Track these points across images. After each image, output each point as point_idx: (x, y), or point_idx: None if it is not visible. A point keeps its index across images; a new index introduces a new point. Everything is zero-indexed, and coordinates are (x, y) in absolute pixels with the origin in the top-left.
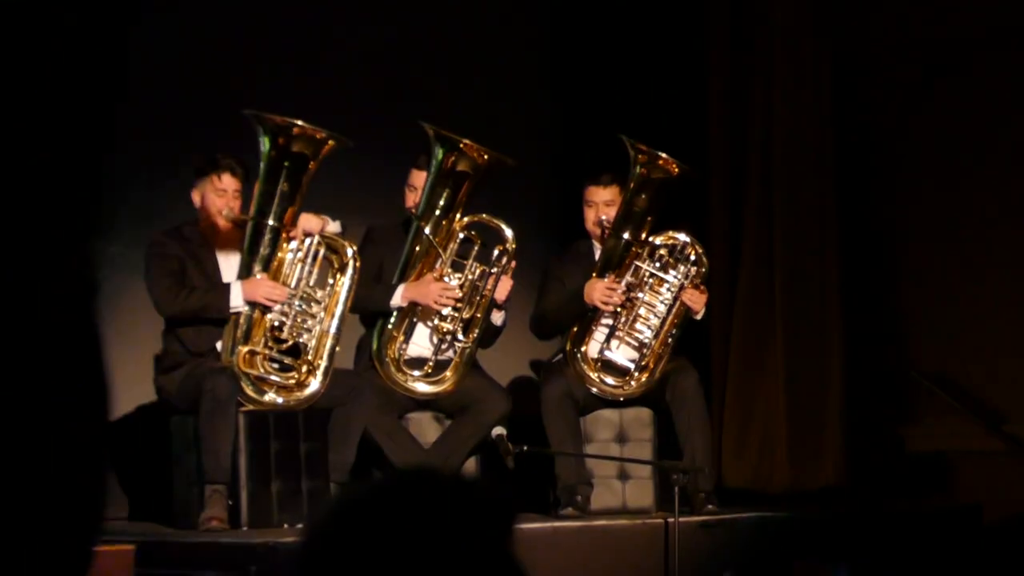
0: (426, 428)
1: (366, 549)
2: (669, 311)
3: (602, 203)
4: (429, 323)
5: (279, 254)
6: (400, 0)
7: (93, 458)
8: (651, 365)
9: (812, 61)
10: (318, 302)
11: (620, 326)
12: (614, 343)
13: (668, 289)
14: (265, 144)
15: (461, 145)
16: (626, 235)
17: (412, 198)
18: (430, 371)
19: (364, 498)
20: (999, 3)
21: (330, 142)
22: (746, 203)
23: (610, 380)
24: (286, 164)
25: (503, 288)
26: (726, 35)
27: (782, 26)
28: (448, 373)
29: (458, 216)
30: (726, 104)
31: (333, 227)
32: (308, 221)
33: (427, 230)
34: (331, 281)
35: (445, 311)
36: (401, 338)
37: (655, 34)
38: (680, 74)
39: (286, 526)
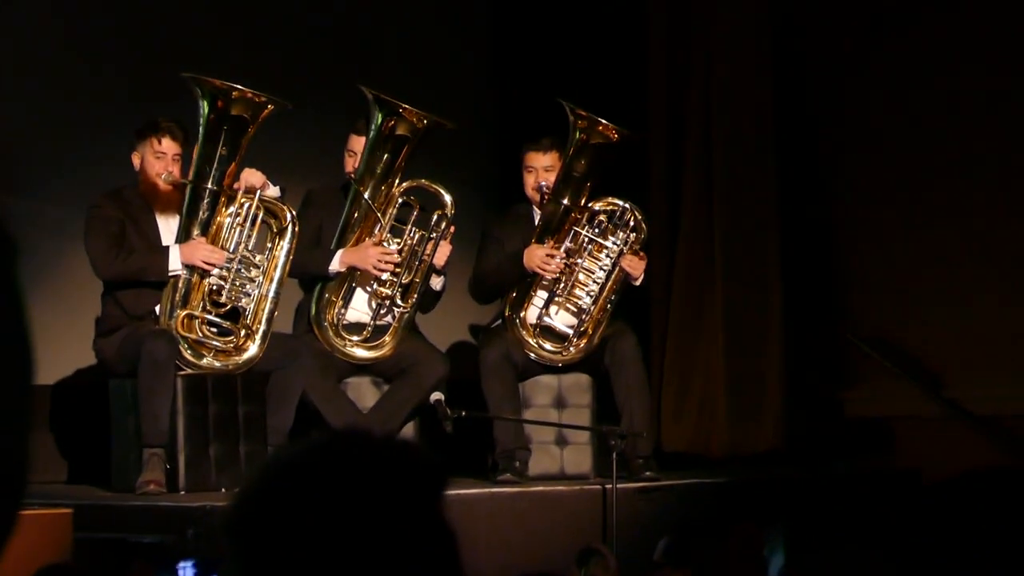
0: (365, 392)
1: (296, 509)
2: (608, 277)
3: (542, 168)
4: (368, 288)
5: (218, 218)
6: None
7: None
8: (590, 331)
9: (752, 23)
10: (257, 266)
11: (559, 291)
12: (553, 308)
13: (607, 255)
14: (204, 107)
15: (400, 109)
16: (565, 200)
17: (351, 163)
18: (368, 336)
19: (294, 459)
20: None
21: (269, 106)
22: (685, 168)
23: (549, 345)
24: (225, 127)
25: (442, 253)
26: (665, 9)
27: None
28: (387, 338)
29: (397, 181)
30: (666, 70)
31: (272, 191)
32: (252, 175)
33: (366, 195)
34: (270, 245)
35: (384, 276)
36: (340, 303)
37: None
38: (620, 39)
39: (224, 490)
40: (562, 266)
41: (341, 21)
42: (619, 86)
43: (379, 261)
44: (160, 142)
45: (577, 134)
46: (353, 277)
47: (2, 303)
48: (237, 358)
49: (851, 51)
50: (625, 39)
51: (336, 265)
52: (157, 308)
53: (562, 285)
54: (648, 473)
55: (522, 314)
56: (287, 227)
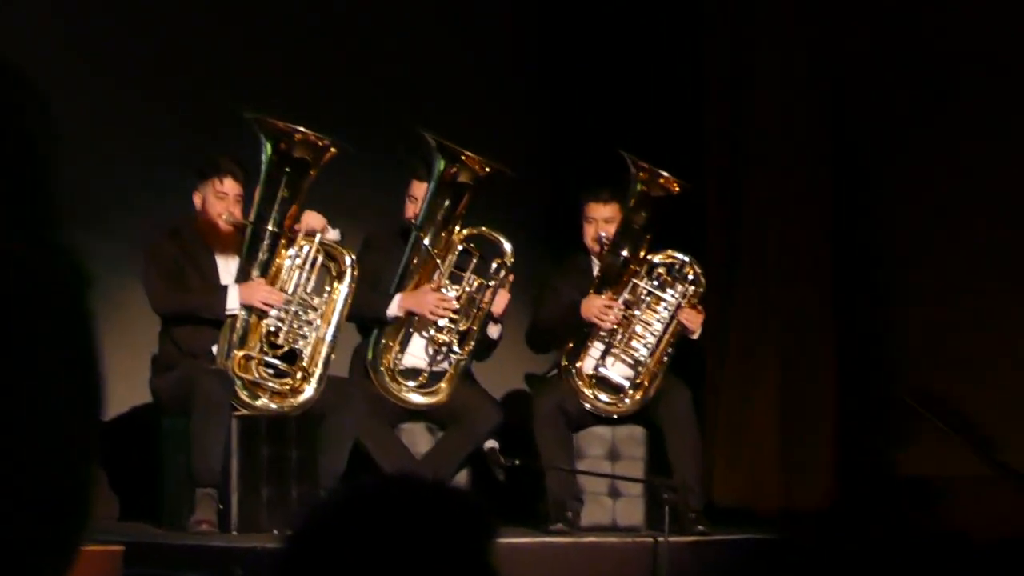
0: (418, 438)
1: (345, 553)
2: (665, 330)
3: (602, 219)
4: (425, 334)
5: (277, 260)
6: (402, 8)
7: (83, 457)
8: (645, 383)
9: (812, 75)
10: (315, 309)
11: (616, 343)
12: (609, 360)
13: (665, 308)
14: (267, 149)
15: (463, 156)
16: (624, 252)
17: (412, 208)
18: (424, 382)
19: (344, 502)
20: (996, 22)
21: (332, 149)
22: (743, 224)
23: (604, 396)
24: (287, 169)
25: (500, 301)
26: (722, 52)
27: (780, 43)
28: (442, 384)
29: (457, 228)
30: (725, 121)
31: (332, 234)
32: (312, 218)
33: (426, 241)
34: (328, 288)
35: (441, 322)
36: (396, 348)
37: (656, 51)
38: (677, 89)
39: (275, 531)
40: (620, 317)
41: (401, 66)
42: (676, 135)
43: (437, 307)
44: (222, 183)
45: (638, 186)
46: (411, 322)
47: (76, 334)
48: (293, 400)
49: (911, 106)
50: (682, 88)
51: (394, 310)
52: (214, 348)
53: (619, 337)
54: (699, 528)
55: (578, 364)
56: (346, 271)
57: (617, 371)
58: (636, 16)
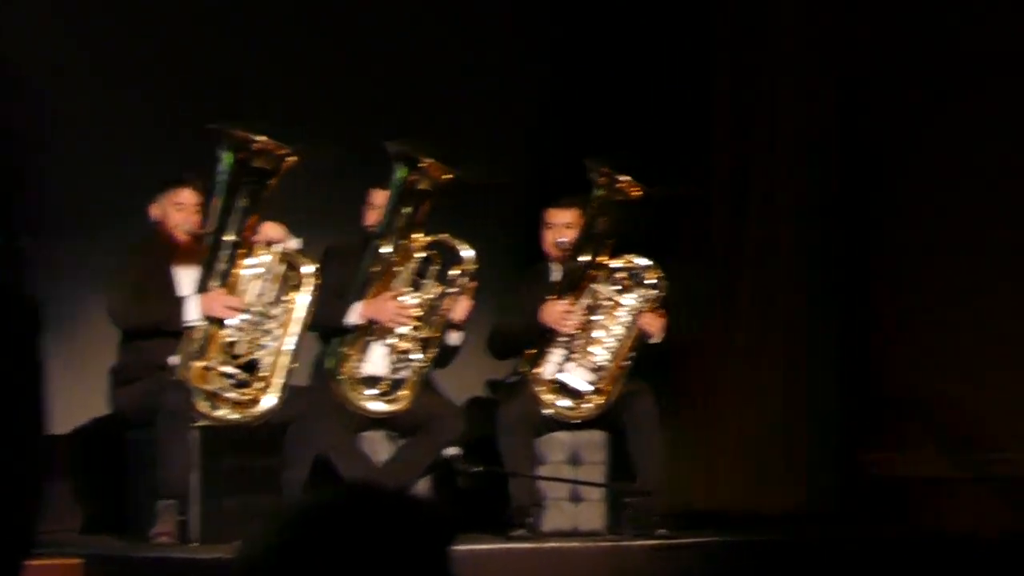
0: (380, 446)
1: (303, 562)
2: (626, 334)
3: (562, 225)
4: (386, 342)
5: (237, 270)
6: (361, 17)
7: (26, 473)
8: (606, 388)
9: (817, 90)
10: (275, 318)
11: (577, 348)
12: (570, 365)
13: (625, 312)
14: (226, 158)
15: (423, 164)
16: (585, 257)
17: (372, 216)
18: (385, 390)
19: (303, 512)
20: (1006, 25)
21: (291, 157)
22: (712, 227)
23: (565, 402)
24: (246, 179)
25: (461, 308)
26: (730, 58)
27: (788, 45)
28: (403, 392)
29: (418, 235)
30: (730, 126)
31: (293, 244)
32: (272, 228)
33: (387, 249)
34: (288, 298)
35: (402, 330)
36: (357, 356)
37: (650, 59)
38: (682, 97)
39: (239, 542)
40: (580, 323)
41: (365, 75)
42: (682, 137)
43: (397, 315)
44: (182, 193)
45: (598, 191)
46: (371, 330)
47: (23, 373)
48: (254, 410)
49: (915, 111)
50: (688, 98)
51: (354, 318)
52: (175, 359)
53: (579, 342)
54: (662, 531)
55: (539, 370)
56: (306, 280)
57: (578, 376)
58: (628, 19)
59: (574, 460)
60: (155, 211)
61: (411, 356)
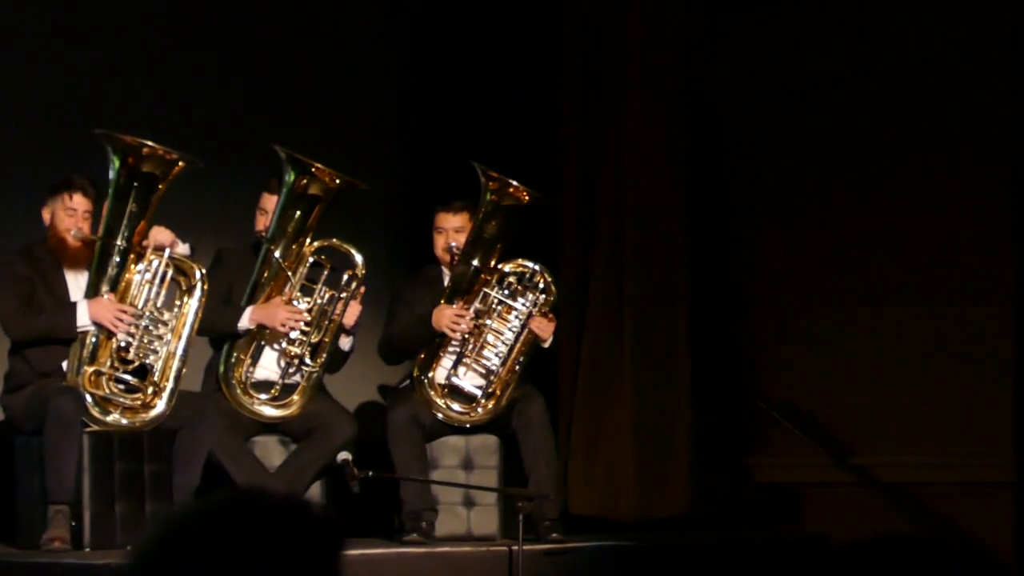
0: (272, 451)
1: (193, 566)
2: (517, 338)
3: (452, 229)
4: (277, 346)
5: (127, 275)
6: (252, 20)
7: None
8: (498, 392)
9: (667, 93)
10: (165, 323)
11: (468, 353)
12: (461, 369)
13: (516, 316)
14: (115, 164)
15: (313, 168)
16: (475, 262)
17: (263, 221)
18: (277, 394)
19: (192, 517)
20: (855, 40)
21: (180, 163)
22: (596, 234)
23: (457, 406)
24: (135, 184)
25: (352, 313)
26: (579, 62)
27: (637, 54)
28: (295, 397)
29: (308, 240)
30: (578, 135)
31: (182, 249)
32: (161, 233)
33: (277, 253)
34: (179, 303)
35: (293, 335)
36: (248, 361)
37: (509, 62)
38: (533, 104)
39: (129, 548)
40: (471, 327)
41: (254, 80)
42: (532, 150)
43: (288, 319)
44: (71, 198)
45: (488, 195)
46: (262, 335)
47: None
48: (144, 415)
49: (765, 124)
50: (539, 104)
51: (245, 323)
52: (64, 364)
53: (471, 346)
54: (555, 536)
55: (430, 375)
56: (196, 285)
57: (469, 381)
58: (496, 28)
59: (467, 464)
60: (45, 214)
61: (302, 361)
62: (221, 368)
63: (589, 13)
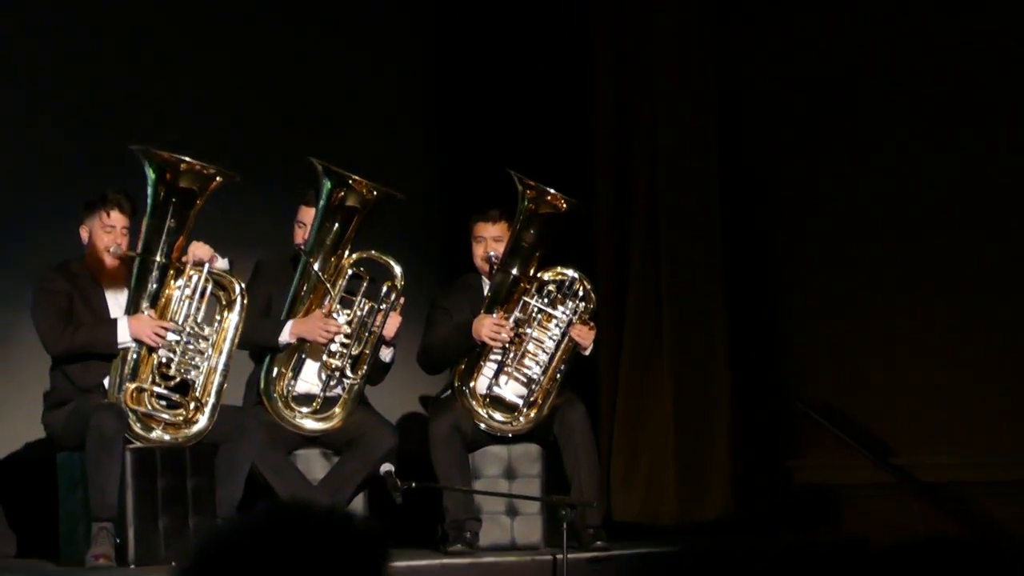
0: (314, 464)
1: None
2: (557, 347)
3: (490, 238)
4: (317, 359)
5: (166, 290)
6: (288, 35)
7: None
8: (539, 401)
9: (698, 94)
10: (206, 339)
11: (508, 362)
12: (502, 379)
13: (556, 325)
14: (152, 179)
15: (350, 180)
16: (514, 271)
17: (301, 234)
18: (318, 407)
19: (237, 531)
20: (876, 40)
21: (217, 178)
22: (632, 237)
23: (498, 416)
24: (173, 200)
25: (391, 324)
26: (611, 69)
27: (668, 60)
28: (336, 409)
29: (347, 252)
30: (612, 141)
31: (221, 263)
32: (199, 248)
33: (316, 266)
34: (219, 317)
35: (333, 347)
36: (289, 374)
37: (542, 69)
38: (566, 110)
39: (173, 563)
40: (511, 336)
41: (290, 93)
42: (566, 157)
43: (328, 332)
44: (109, 215)
45: (525, 204)
46: (303, 348)
47: None
48: (187, 431)
49: (797, 121)
50: (572, 110)
51: (285, 336)
52: (106, 381)
53: (511, 355)
54: (598, 543)
55: (471, 384)
56: (236, 299)
57: (510, 390)
58: (526, 36)
59: (509, 474)
60: (83, 232)
61: (343, 373)
62: (262, 382)
63: (617, 15)
